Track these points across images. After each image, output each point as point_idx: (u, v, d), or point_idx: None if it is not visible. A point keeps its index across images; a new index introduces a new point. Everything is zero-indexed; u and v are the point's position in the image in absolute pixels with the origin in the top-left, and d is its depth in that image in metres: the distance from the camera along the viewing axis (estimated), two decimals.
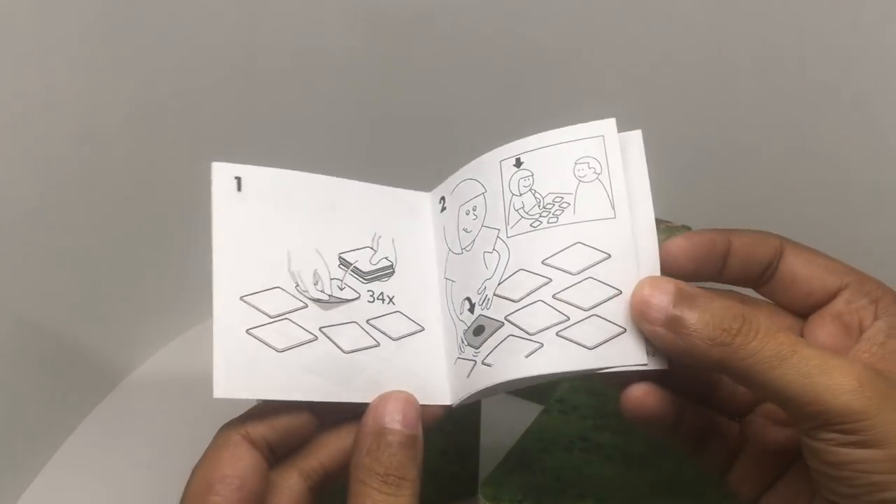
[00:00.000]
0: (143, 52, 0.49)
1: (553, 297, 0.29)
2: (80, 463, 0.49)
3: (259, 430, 0.29)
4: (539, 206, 0.30)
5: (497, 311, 0.30)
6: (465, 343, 0.31)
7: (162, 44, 0.49)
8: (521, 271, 0.30)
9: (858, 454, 0.25)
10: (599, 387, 0.44)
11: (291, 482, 0.30)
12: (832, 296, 0.30)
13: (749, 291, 0.32)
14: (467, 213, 0.32)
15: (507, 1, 0.57)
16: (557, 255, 0.29)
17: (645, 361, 0.28)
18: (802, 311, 0.31)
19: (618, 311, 0.29)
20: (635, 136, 0.31)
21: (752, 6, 0.50)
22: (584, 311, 0.29)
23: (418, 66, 0.59)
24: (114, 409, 0.53)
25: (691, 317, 0.27)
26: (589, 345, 0.28)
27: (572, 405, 0.43)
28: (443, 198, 0.33)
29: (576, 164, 0.30)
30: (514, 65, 0.59)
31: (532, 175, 0.31)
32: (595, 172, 0.30)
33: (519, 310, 0.29)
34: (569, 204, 0.30)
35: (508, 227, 0.31)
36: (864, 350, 0.29)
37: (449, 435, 0.43)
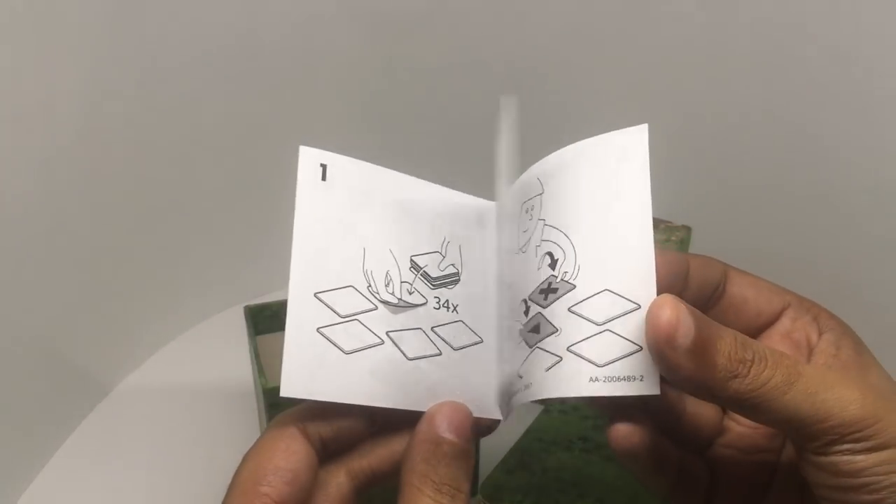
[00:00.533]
0: (143, 53, 0.49)
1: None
2: (79, 464, 0.49)
3: (316, 425, 0.29)
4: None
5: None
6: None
7: (162, 44, 0.49)
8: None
9: (875, 457, 0.26)
10: None
11: (339, 481, 0.30)
12: (778, 315, 0.31)
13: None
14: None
15: (507, 1, 0.57)
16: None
17: (657, 392, 0.27)
18: (750, 331, 0.31)
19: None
20: (641, 136, 0.31)
21: (752, 6, 0.50)
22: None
23: (418, 66, 0.59)
24: (115, 408, 0.53)
25: (710, 346, 0.26)
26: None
27: (572, 405, 0.43)
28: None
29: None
30: (515, 64, 0.59)
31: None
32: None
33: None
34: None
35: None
36: (822, 363, 0.30)
37: None
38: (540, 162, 0.31)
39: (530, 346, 0.29)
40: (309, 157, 0.31)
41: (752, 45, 0.51)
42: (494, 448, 0.41)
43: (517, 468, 0.39)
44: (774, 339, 0.31)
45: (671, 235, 0.51)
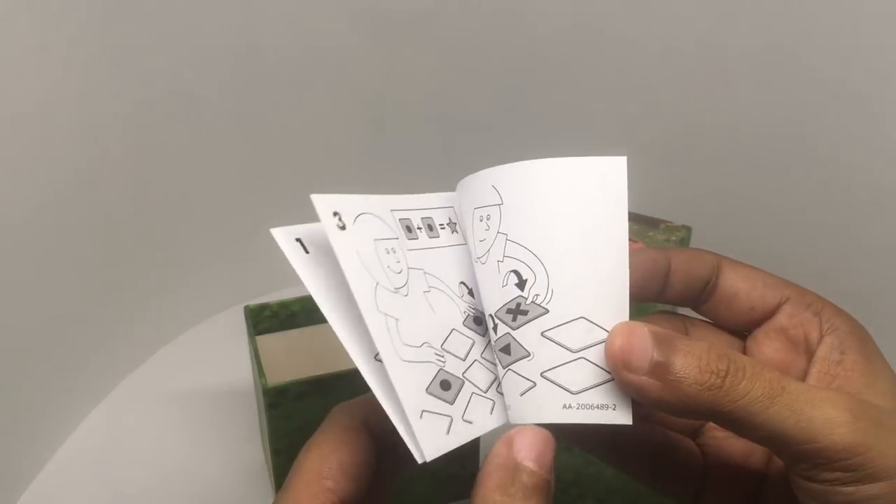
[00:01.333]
0: (143, 53, 0.49)
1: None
2: (79, 464, 0.49)
3: (378, 418, 0.27)
4: None
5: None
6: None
7: (162, 44, 0.49)
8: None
9: (866, 490, 0.24)
10: None
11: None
12: (774, 310, 0.30)
13: (689, 311, 0.32)
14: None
15: (507, 1, 0.57)
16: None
17: (630, 421, 0.27)
18: (745, 326, 0.31)
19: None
20: (620, 166, 0.30)
21: (752, 6, 0.50)
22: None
23: (418, 66, 0.59)
24: (115, 408, 0.53)
25: (677, 361, 0.25)
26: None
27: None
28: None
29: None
30: (514, 65, 0.59)
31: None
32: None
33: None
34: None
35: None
36: (823, 372, 0.28)
37: None
38: (492, 170, 0.30)
39: (504, 366, 0.29)
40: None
41: (753, 45, 0.51)
42: None
43: None
44: (769, 336, 0.30)
45: (671, 235, 0.51)
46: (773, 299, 0.30)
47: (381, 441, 0.28)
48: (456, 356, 0.29)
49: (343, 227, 0.28)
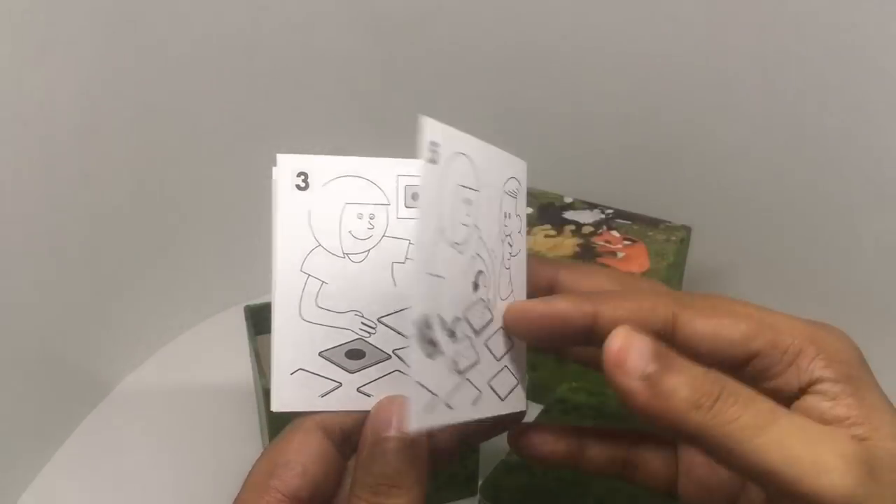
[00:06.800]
0: (143, 53, 0.49)
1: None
2: (79, 464, 0.49)
3: (336, 417, 0.28)
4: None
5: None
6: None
7: (162, 44, 0.49)
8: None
9: None
10: (599, 387, 0.44)
11: None
12: (743, 364, 0.27)
13: None
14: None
15: (507, 1, 0.57)
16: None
17: (524, 408, 0.29)
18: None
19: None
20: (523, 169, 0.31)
21: (752, 6, 0.50)
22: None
23: (418, 66, 0.59)
24: (115, 408, 0.53)
25: (671, 376, 0.24)
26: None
27: (572, 405, 0.43)
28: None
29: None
30: (514, 65, 0.59)
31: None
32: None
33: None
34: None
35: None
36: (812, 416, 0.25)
37: None
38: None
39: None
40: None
41: (753, 44, 0.51)
42: (494, 448, 0.41)
43: (517, 468, 0.39)
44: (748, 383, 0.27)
45: (671, 235, 0.51)
46: (741, 354, 0.26)
47: (346, 438, 0.29)
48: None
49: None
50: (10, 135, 0.42)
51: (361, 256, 0.29)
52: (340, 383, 0.28)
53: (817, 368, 0.25)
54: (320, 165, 0.29)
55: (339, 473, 0.29)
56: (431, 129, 0.25)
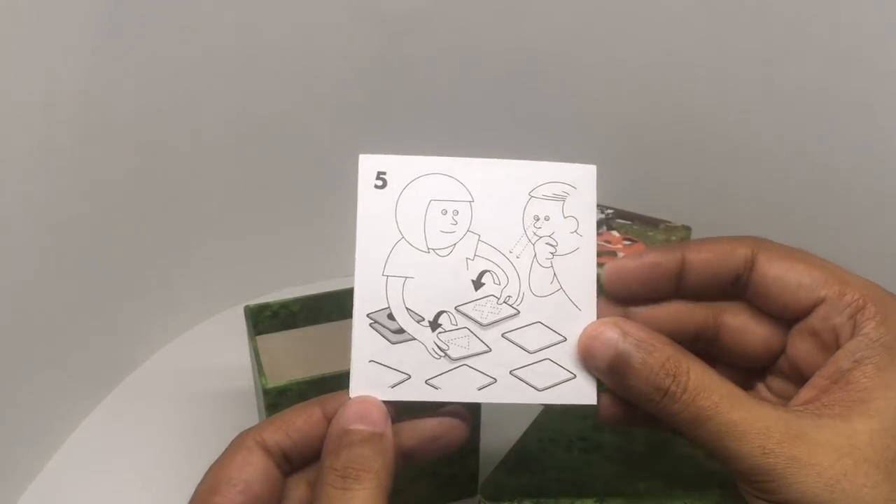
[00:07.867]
0: (143, 52, 0.49)
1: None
2: (81, 462, 0.49)
3: (274, 436, 0.29)
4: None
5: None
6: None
7: (163, 44, 0.49)
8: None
9: None
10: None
11: (300, 493, 0.30)
12: (808, 310, 0.29)
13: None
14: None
15: (507, 1, 0.57)
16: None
17: (595, 402, 0.31)
18: (785, 319, 0.30)
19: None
20: (590, 175, 0.32)
21: (752, 6, 0.50)
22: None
23: (418, 66, 0.59)
24: (115, 408, 0.53)
25: (631, 376, 0.28)
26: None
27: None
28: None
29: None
30: (514, 65, 0.59)
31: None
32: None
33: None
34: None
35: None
36: (816, 385, 0.28)
37: None
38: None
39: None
40: None
41: (753, 44, 0.51)
42: (494, 448, 0.41)
43: (517, 468, 0.39)
44: (803, 337, 0.29)
45: (671, 235, 0.51)
46: (806, 300, 0.29)
47: (286, 457, 0.29)
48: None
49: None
50: (11, 135, 0.42)
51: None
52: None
53: (870, 327, 0.27)
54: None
55: (279, 490, 0.29)
56: (371, 162, 0.31)
